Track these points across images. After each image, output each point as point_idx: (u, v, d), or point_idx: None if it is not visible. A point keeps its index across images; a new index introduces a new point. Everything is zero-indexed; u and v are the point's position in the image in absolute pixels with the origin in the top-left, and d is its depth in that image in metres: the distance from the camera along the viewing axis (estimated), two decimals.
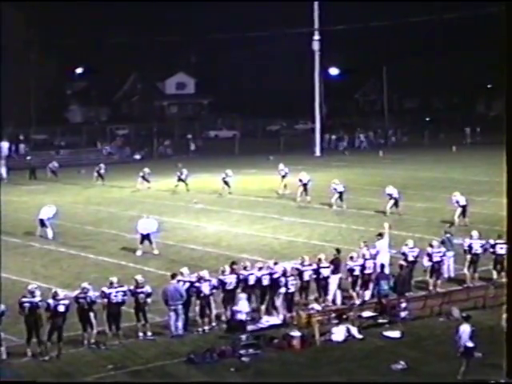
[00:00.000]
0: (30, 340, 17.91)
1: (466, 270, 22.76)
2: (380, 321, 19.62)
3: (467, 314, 16.83)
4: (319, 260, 21.08)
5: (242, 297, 19.41)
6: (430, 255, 22.20)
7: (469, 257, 22.71)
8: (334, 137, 68.16)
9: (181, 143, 66.96)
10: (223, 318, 19.85)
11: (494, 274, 22.68)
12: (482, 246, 22.78)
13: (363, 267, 21.23)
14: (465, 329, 16.10)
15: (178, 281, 19.60)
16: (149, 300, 19.07)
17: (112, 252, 27.99)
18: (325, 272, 20.92)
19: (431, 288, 22.05)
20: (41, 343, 17.87)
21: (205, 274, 19.79)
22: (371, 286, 21.11)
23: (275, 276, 20.21)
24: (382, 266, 21.42)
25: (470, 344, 16.00)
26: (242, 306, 19.20)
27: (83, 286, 18.59)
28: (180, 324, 19.22)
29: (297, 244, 28.67)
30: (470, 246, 22.72)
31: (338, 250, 22.12)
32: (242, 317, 19.07)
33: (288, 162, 43.41)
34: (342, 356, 17.81)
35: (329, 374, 16.76)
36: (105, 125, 79.77)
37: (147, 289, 19.14)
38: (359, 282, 21.20)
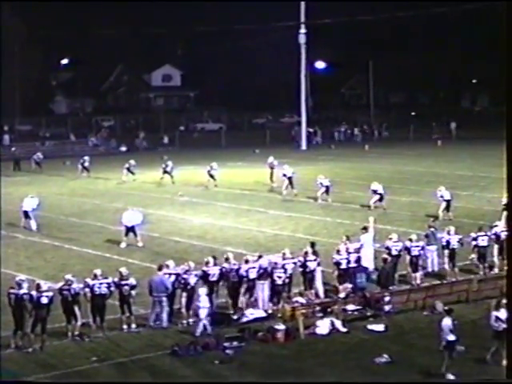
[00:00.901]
0: (16, 332, 17.84)
1: (446, 266, 22.89)
2: (362, 312, 19.70)
3: (449, 307, 16.90)
4: (305, 253, 21.10)
5: (202, 292, 18.97)
6: (408, 249, 22.31)
7: (447, 252, 22.86)
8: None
9: (167, 136, 66.79)
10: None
11: (481, 267, 22.85)
12: (459, 241, 22.93)
13: (348, 261, 21.30)
14: (446, 322, 16.19)
15: (164, 274, 19.58)
16: (133, 292, 19.05)
17: (96, 244, 27.93)
18: (311, 265, 20.95)
19: (413, 282, 22.16)
20: (24, 335, 17.82)
21: (191, 265, 19.80)
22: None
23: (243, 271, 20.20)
24: (359, 258, 21.52)
25: (452, 337, 16.09)
26: (203, 301, 18.80)
27: (67, 278, 18.55)
28: (164, 316, 19.22)
29: (282, 237, 28.70)
30: (447, 242, 22.87)
31: (313, 244, 22.11)
32: (203, 312, 18.61)
33: (274, 156, 43.41)
34: (326, 349, 17.86)
35: (313, 367, 16.82)
36: (90, 116, 79.53)
37: (132, 281, 19.11)
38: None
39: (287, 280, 20.46)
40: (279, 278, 20.15)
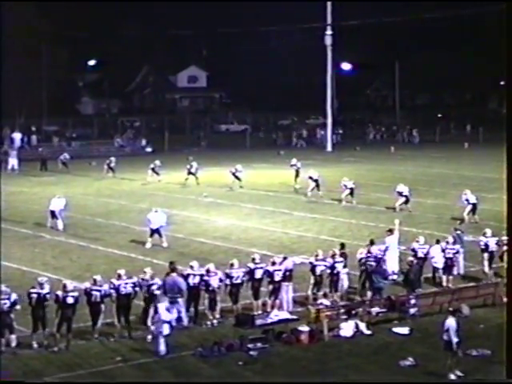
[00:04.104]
0: (35, 331, 17.94)
1: (486, 269, 22.65)
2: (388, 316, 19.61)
3: (453, 308, 16.69)
4: (333, 255, 21.03)
5: (162, 306, 17.86)
6: (443, 250, 22.18)
7: (486, 255, 22.65)
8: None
9: (191, 137, 66.96)
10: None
11: None
12: (496, 243, 22.73)
13: (370, 263, 21.19)
14: (450, 323, 16.06)
15: (188, 274, 19.61)
16: (158, 292, 19.07)
17: (121, 244, 28.05)
18: (339, 267, 20.92)
19: (444, 284, 22.05)
20: (51, 334, 17.90)
21: (211, 267, 19.80)
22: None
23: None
24: (379, 260, 21.40)
25: (455, 338, 15.93)
26: (164, 315, 17.70)
27: (97, 279, 18.55)
28: (184, 316, 19.20)
29: (306, 239, 28.66)
30: (486, 244, 22.69)
31: (343, 245, 22.11)
32: (166, 328, 17.47)
33: (299, 157, 43.37)
34: (350, 351, 17.80)
35: (336, 370, 16.76)
36: (116, 117, 79.96)
37: (157, 281, 19.15)
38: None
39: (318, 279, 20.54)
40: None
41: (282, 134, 68.37)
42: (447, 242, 22.45)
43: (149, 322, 18.57)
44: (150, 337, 18.21)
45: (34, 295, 17.91)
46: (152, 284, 18.93)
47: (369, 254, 21.41)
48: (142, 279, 18.92)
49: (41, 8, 75.37)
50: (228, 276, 19.78)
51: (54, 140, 61.83)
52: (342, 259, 21.03)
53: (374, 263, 21.16)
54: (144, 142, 62.91)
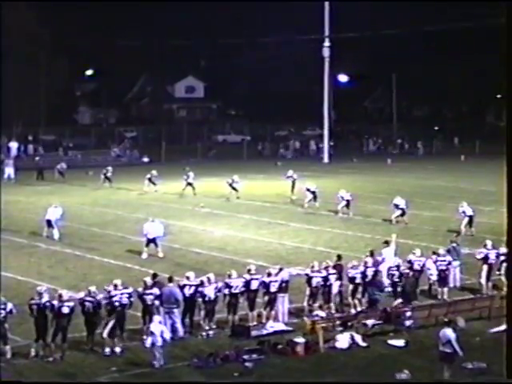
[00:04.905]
0: (37, 341, 17.88)
1: (483, 281, 22.64)
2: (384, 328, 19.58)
3: (448, 319, 16.68)
4: (327, 267, 21.02)
5: (156, 319, 17.80)
6: (435, 263, 22.17)
7: (485, 266, 22.64)
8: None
9: (188, 148, 66.97)
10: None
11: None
12: (496, 256, 22.72)
13: (364, 275, 21.15)
14: (449, 334, 16.05)
15: (184, 285, 19.60)
16: (156, 302, 19.04)
17: (117, 254, 28.01)
18: (332, 279, 20.90)
19: (439, 297, 22.04)
20: (46, 345, 17.86)
21: (211, 276, 19.77)
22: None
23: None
24: (375, 272, 21.38)
25: (449, 349, 15.93)
26: (155, 329, 17.44)
27: (92, 290, 18.51)
28: (179, 327, 19.17)
29: (302, 250, 28.65)
30: (486, 256, 22.68)
31: (339, 256, 22.10)
32: (159, 341, 17.20)
33: (296, 168, 43.39)
34: (346, 363, 17.77)
35: (332, 381, 16.70)
36: (113, 127, 79.97)
37: (155, 291, 19.12)
38: (360, 289, 21.16)
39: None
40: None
41: (270, 145, 68.53)
42: (438, 254, 22.45)
43: (104, 334, 18.25)
44: (118, 349, 18.09)
45: (35, 306, 17.86)
46: (150, 293, 18.79)
47: (367, 266, 21.37)
48: (106, 290, 18.66)
49: (40, 16, 75.48)
50: (227, 286, 19.77)
51: (41, 151, 61.61)
52: (334, 271, 21.02)
53: (369, 275, 21.14)
54: (137, 154, 62.76)
